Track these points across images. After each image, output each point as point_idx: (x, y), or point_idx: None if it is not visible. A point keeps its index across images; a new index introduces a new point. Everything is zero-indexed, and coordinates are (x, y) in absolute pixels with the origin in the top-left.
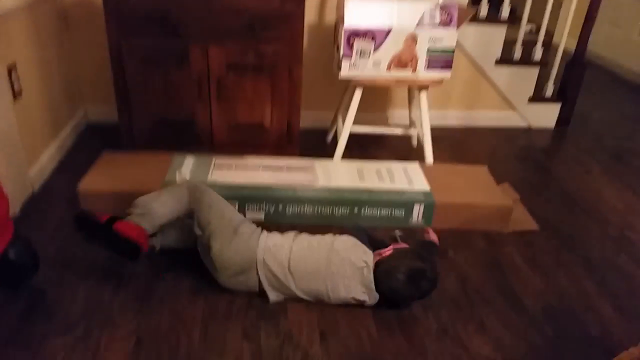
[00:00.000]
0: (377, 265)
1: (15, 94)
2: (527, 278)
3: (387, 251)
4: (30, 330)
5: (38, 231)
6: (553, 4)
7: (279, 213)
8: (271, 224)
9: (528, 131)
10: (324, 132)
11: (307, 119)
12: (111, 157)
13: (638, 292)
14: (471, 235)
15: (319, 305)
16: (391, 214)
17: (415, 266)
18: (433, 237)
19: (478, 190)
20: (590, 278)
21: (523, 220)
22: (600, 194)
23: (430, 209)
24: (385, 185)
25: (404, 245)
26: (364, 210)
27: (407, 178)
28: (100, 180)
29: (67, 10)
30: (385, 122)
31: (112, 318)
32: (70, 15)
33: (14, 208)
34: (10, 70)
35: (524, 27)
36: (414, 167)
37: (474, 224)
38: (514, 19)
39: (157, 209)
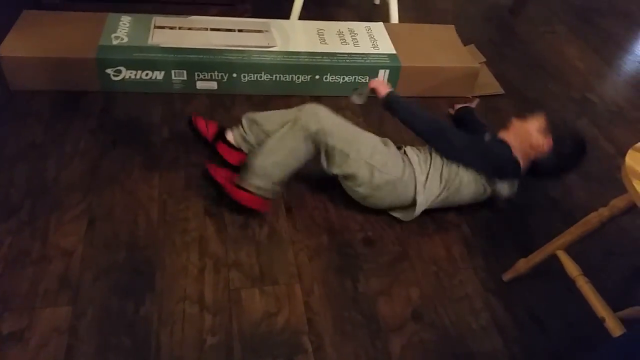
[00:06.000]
0: None
1: None
2: None
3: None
4: None
5: None
6: None
7: (233, 81)
8: (225, 94)
9: None
10: None
11: None
12: (33, 16)
13: (597, 154)
14: (437, 102)
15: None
16: (354, 80)
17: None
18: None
19: (444, 52)
20: None
21: (488, 83)
22: (564, 55)
23: (396, 73)
24: (349, 49)
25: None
26: (326, 77)
27: (371, 40)
28: (23, 44)
29: None
30: None
31: (59, 199)
32: None
33: None
34: None
35: None
36: (378, 27)
37: (439, 89)
38: None
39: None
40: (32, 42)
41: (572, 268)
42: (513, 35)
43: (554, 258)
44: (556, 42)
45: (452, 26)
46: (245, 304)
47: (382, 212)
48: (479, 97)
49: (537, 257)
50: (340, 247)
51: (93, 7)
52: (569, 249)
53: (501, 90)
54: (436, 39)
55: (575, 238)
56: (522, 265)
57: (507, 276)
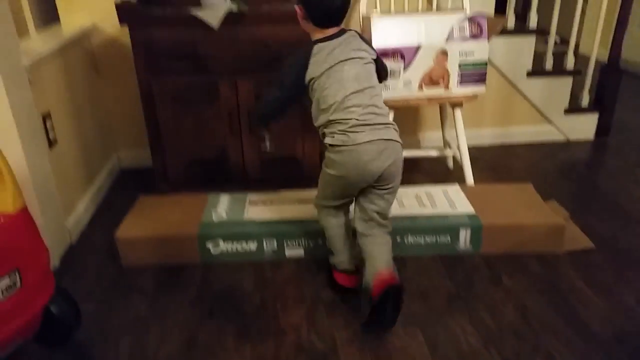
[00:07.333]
0: None
1: (51, 143)
2: (591, 301)
3: None
4: None
5: (78, 284)
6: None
7: (319, 248)
8: (311, 260)
9: (567, 144)
10: None
11: None
12: (147, 201)
13: None
14: (524, 258)
15: (373, 348)
16: (436, 240)
17: None
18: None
19: (526, 209)
20: None
21: (577, 238)
22: None
23: (477, 232)
24: (427, 210)
25: None
26: (407, 238)
27: (448, 201)
28: (137, 226)
29: (96, 52)
30: (417, 146)
31: None
32: (99, 57)
33: (53, 260)
34: (45, 119)
35: (553, 35)
36: (454, 189)
37: (525, 246)
38: (539, 31)
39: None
40: (144, 223)
41: None
42: (594, 189)
43: None
44: None
45: (530, 184)
46: None
47: None
48: (570, 252)
49: None
50: None
51: (198, 189)
52: None
53: (592, 245)
54: (515, 197)
55: None
56: None
57: None
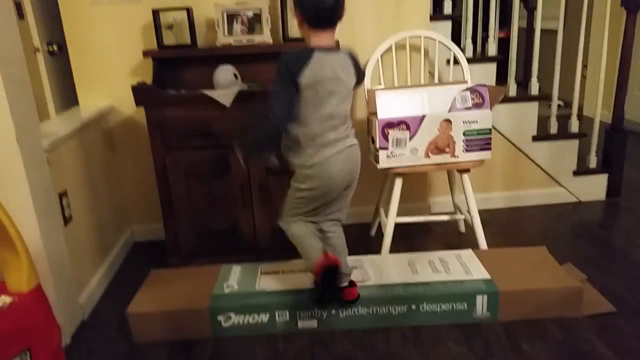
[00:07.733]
0: None
1: (66, 220)
2: None
3: None
4: None
5: None
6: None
7: (332, 317)
8: (325, 331)
9: (578, 206)
10: (366, 227)
11: (348, 215)
12: (158, 275)
13: None
14: (543, 324)
15: None
16: (452, 308)
17: None
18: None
19: (542, 273)
20: None
21: (596, 301)
22: None
23: (494, 298)
24: (442, 276)
25: None
26: (423, 306)
27: (463, 267)
28: (149, 301)
29: (112, 131)
30: (427, 211)
31: None
32: (115, 136)
33: (65, 338)
34: (62, 197)
35: (556, 101)
36: (468, 254)
37: (543, 310)
38: (541, 97)
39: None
40: (156, 298)
41: None
42: (610, 249)
43: None
44: None
45: (544, 247)
46: None
47: None
48: (590, 316)
49: None
50: None
51: (210, 260)
52: None
53: (612, 308)
54: (529, 261)
55: None
56: None
57: None
